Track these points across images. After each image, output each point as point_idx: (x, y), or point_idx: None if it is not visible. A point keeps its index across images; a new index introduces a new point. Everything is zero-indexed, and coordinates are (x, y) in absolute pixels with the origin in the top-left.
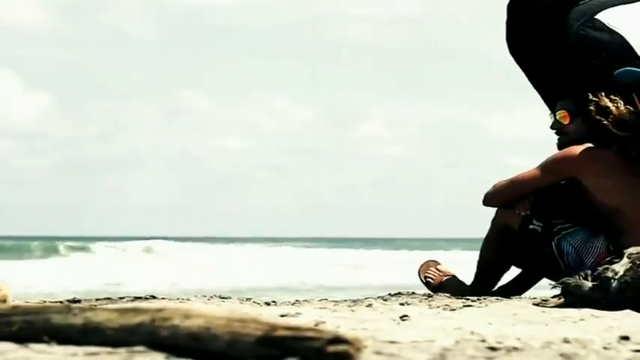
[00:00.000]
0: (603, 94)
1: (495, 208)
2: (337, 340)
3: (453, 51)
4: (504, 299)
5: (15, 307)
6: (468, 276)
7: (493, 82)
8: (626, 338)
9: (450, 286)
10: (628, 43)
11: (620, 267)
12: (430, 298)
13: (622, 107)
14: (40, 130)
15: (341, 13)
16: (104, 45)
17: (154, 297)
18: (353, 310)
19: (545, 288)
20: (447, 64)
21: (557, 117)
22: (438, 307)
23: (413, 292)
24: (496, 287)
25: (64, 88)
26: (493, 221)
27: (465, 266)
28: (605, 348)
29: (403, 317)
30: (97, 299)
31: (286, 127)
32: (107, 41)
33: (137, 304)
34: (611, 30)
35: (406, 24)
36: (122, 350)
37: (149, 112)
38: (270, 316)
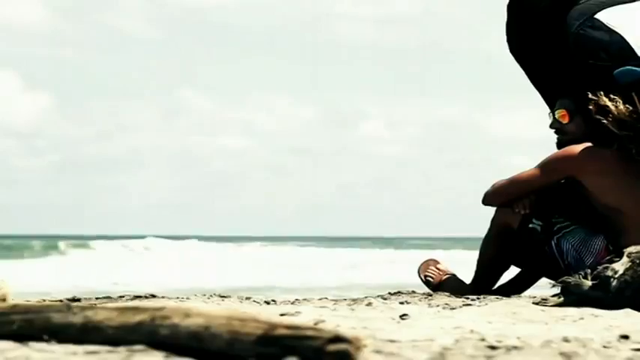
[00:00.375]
0: (602, 93)
1: (495, 208)
2: (337, 339)
3: (453, 50)
4: (504, 298)
5: (15, 306)
6: (467, 275)
7: (493, 82)
8: (625, 337)
9: (450, 285)
10: (627, 42)
11: (620, 266)
12: (430, 297)
13: (621, 106)
14: (40, 129)
15: (341, 13)
16: (104, 44)
17: (153, 296)
18: (353, 309)
19: (544, 287)
20: (447, 63)
21: (557, 116)
22: (438, 305)
23: (413, 291)
24: (496, 286)
25: (64, 87)
26: (493, 220)
27: (464, 265)
28: (604, 347)
29: (403, 316)
30: (96, 298)
31: (286, 126)
32: (107, 40)
33: (137, 302)
34: (611, 29)
35: (406, 23)
36: (122, 349)
37: (149, 112)
38: (270, 314)
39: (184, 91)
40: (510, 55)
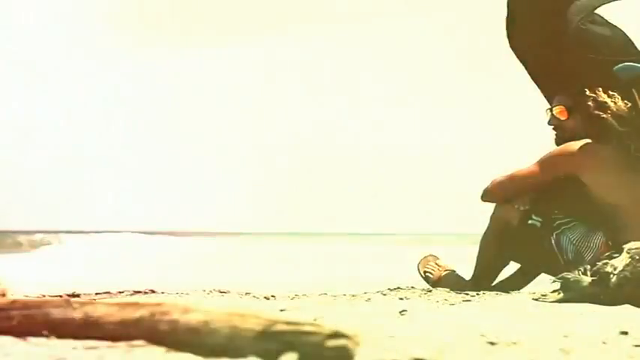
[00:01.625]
0: (601, 89)
1: (494, 204)
2: (336, 334)
3: None
4: (503, 294)
5: (14, 302)
6: (467, 271)
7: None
8: (624, 333)
9: (450, 281)
10: (628, 37)
11: (619, 262)
12: (429, 293)
13: (620, 103)
14: (39, 125)
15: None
16: None
17: (153, 291)
18: (352, 305)
19: (544, 283)
20: None
21: (555, 113)
22: (438, 301)
23: (412, 287)
24: (495, 282)
25: None
26: (492, 217)
27: (464, 261)
28: (604, 342)
29: (402, 312)
30: (96, 293)
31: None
32: None
33: (136, 298)
34: (612, 24)
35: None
36: (122, 344)
37: None
38: (270, 310)
39: None
40: (511, 50)
